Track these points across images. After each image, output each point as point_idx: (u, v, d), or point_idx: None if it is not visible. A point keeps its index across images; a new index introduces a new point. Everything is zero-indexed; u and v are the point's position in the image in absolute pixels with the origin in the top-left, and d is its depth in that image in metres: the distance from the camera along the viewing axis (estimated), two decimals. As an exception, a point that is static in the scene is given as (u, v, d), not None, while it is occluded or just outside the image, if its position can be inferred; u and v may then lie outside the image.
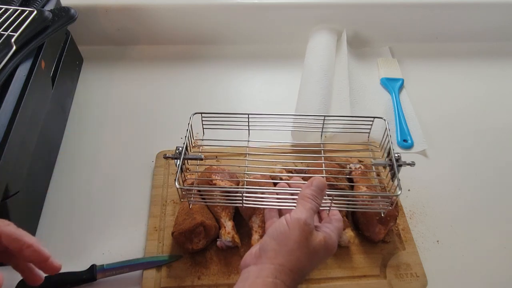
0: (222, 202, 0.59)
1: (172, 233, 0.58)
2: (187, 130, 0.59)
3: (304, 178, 0.57)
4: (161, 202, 0.65)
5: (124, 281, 0.58)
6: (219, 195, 0.60)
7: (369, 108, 0.82)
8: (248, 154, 0.64)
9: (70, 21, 0.68)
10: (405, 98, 0.84)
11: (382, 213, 0.57)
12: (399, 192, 0.52)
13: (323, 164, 0.63)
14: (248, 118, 0.62)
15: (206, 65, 0.91)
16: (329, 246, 0.46)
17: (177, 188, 0.53)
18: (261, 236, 0.58)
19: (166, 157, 0.57)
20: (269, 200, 0.55)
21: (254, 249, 0.47)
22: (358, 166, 0.66)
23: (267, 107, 0.83)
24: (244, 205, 0.56)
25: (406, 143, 0.75)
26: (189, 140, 0.59)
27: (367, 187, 0.62)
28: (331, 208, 0.53)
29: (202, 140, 0.63)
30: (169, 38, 0.93)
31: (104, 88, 0.85)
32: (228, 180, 0.62)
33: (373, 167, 0.69)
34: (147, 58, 0.92)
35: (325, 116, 0.63)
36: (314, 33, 0.91)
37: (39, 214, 0.64)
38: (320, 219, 0.54)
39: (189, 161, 0.59)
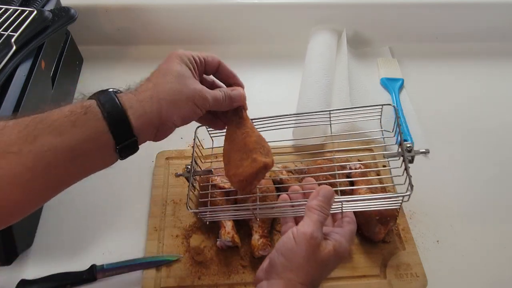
0: (237, 217, 0.58)
1: (230, 176, 0.50)
2: (193, 146, 0.59)
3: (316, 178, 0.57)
4: (161, 202, 0.65)
5: (124, 281, 0.58)
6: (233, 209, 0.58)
7: (369, 108, 0.82)
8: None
9: (70, 21, 0.68)
10: (405, 98, 0.84)
11: (397, 210, 0.56)
12: (409, 192, 0.49)
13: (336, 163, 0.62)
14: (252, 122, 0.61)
15: (206, 65, 0.91)
16: (339, 254, 0.46)
17: (189, 211, 0.52)
18: (261, 236, 0.58)
19: (178, 175, 0.57)
20: (282, 207, 0.54)
21: (264, 264, 0.47)
22: (358, 166, 0.66)
23: (267, 107, 0.82)
24: (259, 217, 0.56)
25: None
26: (197, 154, 0.58)
27: (367, 188, 0.62)
28: (344, 210, 0.53)
29: (212, 148, 0.62)
30: (169, 38, 0.93)
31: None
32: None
33: (373, 167, 0.69)
34: (147, 58, 0.92)
35: (330, 110, 0.60)
36: (314, 33, 0.91)
37: (39, 214, 0.64)
38: (334, 220, 0.54)
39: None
